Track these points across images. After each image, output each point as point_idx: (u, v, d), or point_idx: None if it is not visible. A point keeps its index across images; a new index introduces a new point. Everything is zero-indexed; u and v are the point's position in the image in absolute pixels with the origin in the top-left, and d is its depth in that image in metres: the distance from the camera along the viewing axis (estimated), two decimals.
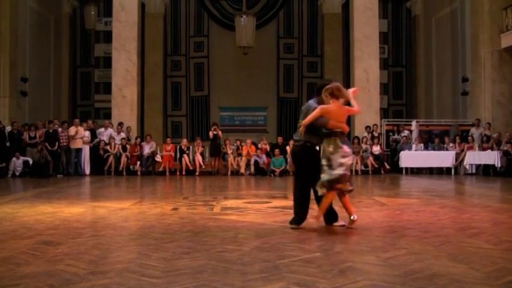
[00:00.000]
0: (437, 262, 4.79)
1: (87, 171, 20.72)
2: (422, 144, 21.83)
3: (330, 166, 6.74)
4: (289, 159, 19.30)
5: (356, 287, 3.96)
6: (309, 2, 30.65)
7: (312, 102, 7.14)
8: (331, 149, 6.78)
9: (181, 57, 30.63)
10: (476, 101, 22.76)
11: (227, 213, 8.58)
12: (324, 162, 6.79)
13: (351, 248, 5.57)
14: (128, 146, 21.22)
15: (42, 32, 26.55)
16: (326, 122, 6.80)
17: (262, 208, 9.14)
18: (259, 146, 21.73)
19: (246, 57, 27.51)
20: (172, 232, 6.52)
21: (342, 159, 6.77)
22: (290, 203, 10.09)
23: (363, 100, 22.68)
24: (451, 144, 21.43)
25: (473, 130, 21.78)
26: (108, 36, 27.00)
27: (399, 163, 21.19)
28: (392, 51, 30.73)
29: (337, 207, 7.10)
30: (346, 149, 6.86)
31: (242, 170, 21.08)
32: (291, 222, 6.86)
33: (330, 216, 7.02)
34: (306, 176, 6.97)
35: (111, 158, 20.87)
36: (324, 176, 6.75)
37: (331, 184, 6.74)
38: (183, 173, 21.00)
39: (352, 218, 6.85)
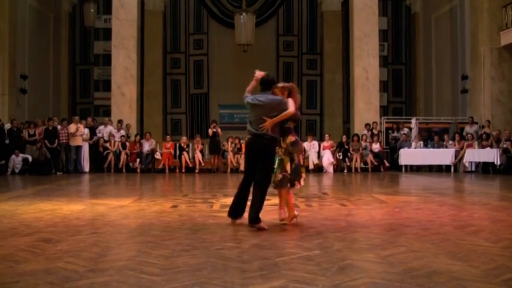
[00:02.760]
0: (437, 260, 4.79)
1: (87, 168, 20.71)
2: (421, 142, 21.82)
3: (293, 161, 7.02)
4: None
5: (355, 284, 3.97)
6: None
7: (279, 97, 7.11)
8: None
9: (180, 54, 30.60)
10: (476, 99, 22.76)
11: (226, 210, 8.56)
12: (288, 158, 7.01)
13: (350, 246, 5.57)
14: (127, 144, 21.22)
15: (41, 30, 26.54)
16: (299, 117, 7.15)
17: None
18: None
19: (246, 55, 27.48)
20: (171, 230, 6.53)
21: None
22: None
23: (362, 97, 22.80)
24: (450, 142, 21.43)
25: (467, 128, 21.81)
26: (107, 34, 26.95)
27: (399, 161, 21.21)
28: (392, 49, 30.72)
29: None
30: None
31: (242, 168, 21.07)
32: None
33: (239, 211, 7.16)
34: (271, 169, 7.07)
35: (110, 156, 20.88)
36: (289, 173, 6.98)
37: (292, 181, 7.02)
38: (183, 170, 21.01)
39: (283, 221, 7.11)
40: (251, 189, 7.09)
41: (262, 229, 6.57)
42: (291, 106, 6.88)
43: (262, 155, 6.94)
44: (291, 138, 7.01)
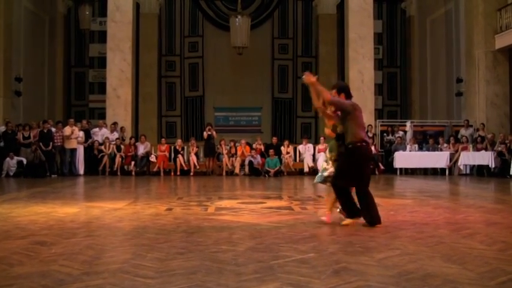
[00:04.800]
0: (431, 263, 4.79)
1: (81, 171, 20.68)
2: (416, 145, 21.87)
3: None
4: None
5: (350, 287, 3.97)
6: (303, 2, 30.69)
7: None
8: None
9: (175, 57, 30.63)
10: (471, 102, 22.82)
11: (221, 213, 8.58)
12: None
13: (345, 249, 5.56)
14: (122, 146, 21.20)
15: (36, 32, 26.50)
16: None
17: (257, 208, 9.14)
18: (254, 146, 21.74)
19: (241, 58, 27.52)
20: (166, 232, 6.51)
21: None
22: (285, 203, 10.14)
23: (357, 101, 22.56)
24: (445, 145, 21.48)
25: (462, 131, 21.87)
26: (102, 36, 26.96)
27: (393, 164, 21.24)
28: (387, 51, 30.80)
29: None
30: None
31: (237, 171, 21.09)
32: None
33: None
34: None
35: (105, 158, 20.86)
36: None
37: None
38: (178, 173, 20.99)
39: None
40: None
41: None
42: None
43: (371, 159, 7.35)
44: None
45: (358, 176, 7.06)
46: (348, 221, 7.13)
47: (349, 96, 7.30)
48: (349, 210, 7.16)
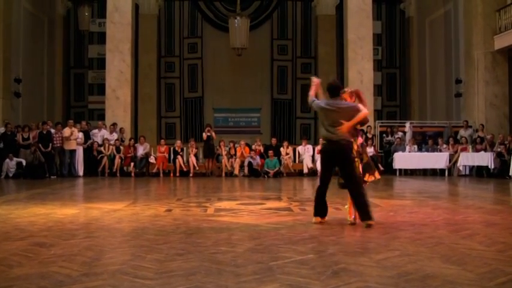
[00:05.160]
0: (431, 263, 4.80)
1: (81, 172, 20.65)
2: (415, 146, 21.86)
3: (363, 160, 7.59)
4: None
5: None
6: (302, 3, 30.68)
7: (353, 103, 7.62)
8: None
9: (175, 58, 30.61)
10: (470, 103, 22.82)
11: (221, 214, 8.58)
12: (359, 158, 7.53)
13: (344, 250, 5.56)
14: (121, 147, 21.18)
15: (36, 33, 26.48)
16: (368, 119, 7.65)
17: (256, 209, 9.14)
18: (253, 147, 21.73)
19: (240, 59, 27.50)
20: (165, 234, 6.52)
21: None
22: (284, 204, 10.14)
23: (356, 101, 22.78)
24: (444, 146, 21.48)
25: (462, 132, 21.87)
26: (101, 38, 26.94)
27: (393, 164, 21.24)
28: (386, 52, 30.79)
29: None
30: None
31: (236, 172, 21.07)
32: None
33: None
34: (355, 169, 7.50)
35: (104, 159, 20.84)
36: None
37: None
38: (177, 174, 20.98)
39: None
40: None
41: (371, 226, 6.96)
42: (365, 109, 7.37)
43: (343, 158, 7.32)
44: (360, 139, 7.55)
45: (337, 174, 7.48)
46: (315, 219, 7.38)
47: (333, 95, 7.44)
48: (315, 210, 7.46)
